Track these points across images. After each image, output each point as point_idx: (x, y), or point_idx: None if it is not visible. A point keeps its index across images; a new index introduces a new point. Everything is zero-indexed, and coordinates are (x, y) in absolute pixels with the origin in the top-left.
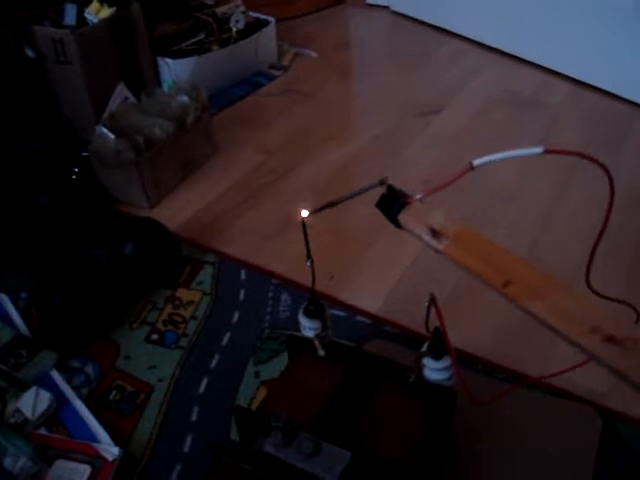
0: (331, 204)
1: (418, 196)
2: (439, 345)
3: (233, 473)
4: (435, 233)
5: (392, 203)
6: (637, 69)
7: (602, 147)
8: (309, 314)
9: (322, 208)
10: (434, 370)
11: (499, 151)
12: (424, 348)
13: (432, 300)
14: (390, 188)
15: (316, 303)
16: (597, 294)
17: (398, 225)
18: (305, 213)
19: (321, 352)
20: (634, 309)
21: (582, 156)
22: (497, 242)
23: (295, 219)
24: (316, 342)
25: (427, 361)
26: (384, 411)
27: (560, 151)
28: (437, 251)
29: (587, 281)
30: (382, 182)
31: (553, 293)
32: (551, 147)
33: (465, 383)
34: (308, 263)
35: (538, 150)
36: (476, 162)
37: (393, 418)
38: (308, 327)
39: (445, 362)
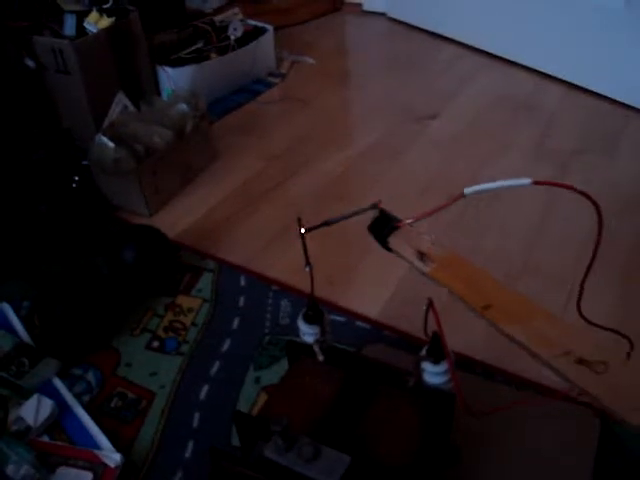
0: (326, 223)
1: (408, 220)
2: (437, 349)
3: (233, 478)
4: (422, 256)
5: (383, 226)
6: (629, 72)
7: (596, 150)
8: (308, 320)
9: (318, 227)
10: (433, 374)
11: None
12: (423, 352)
13: (430, 304)
14: (382, 212)
15: (315, 309)
16: (589, 322)
17: (387, 248)
18: (302, 230)
19: (320, 357)
20: (626, 337)
21: (572, 189)
22: (481, 268)
23: (294, 228)
24: (315, 347)
25: (426, 365)
26: (383, 415)
27: (549, 183)
28: (422, 273)
29: (579, 309)
30: (374, 206)
31: (531, 317)
32: (540, 180)
33: (462, 392)
34: (307, 269)
35: (526, 182)
36: (467, 190)
37: (392, 422)
38: (307, 332)
39: (444, 366)
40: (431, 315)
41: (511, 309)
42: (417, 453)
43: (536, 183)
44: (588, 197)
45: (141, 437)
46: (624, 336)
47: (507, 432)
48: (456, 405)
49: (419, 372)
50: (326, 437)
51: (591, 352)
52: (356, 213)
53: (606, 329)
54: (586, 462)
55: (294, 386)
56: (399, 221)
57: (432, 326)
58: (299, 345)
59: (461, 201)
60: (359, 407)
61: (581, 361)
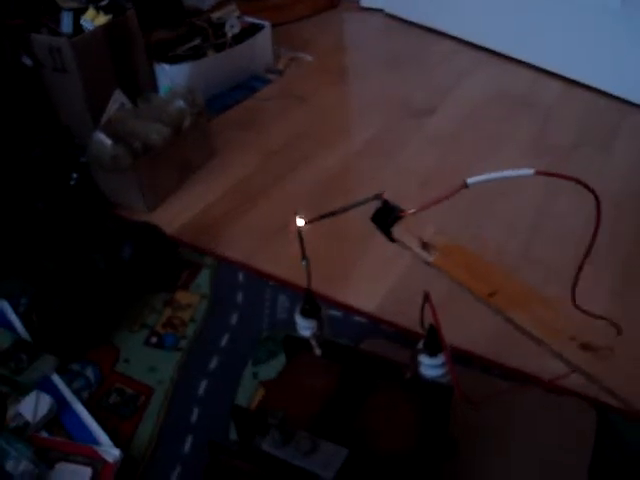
0: (331, 214)
1: (411, 210)
2: (434, 342)
3: (232, 471)
4: (426, 245)
5: (386, 216)
6: (626, 66)
7: (594, 145)
8: (305, 314)
9: (322, 217)
10: (430, 367)
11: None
12: (420, 345)
13: (426, 297)
14: (385, 202)
15: (312, 303)
16: (580, 309)
17: (391, 238)
18: (301, 222)
19: (318, 351)
20: (616, 326)
21: (574, 180)
22: (482, 256)
23: (292, 226)
24: (312, 341)
25: (423, 358)
26: (381, 408)
27: (551, 174)
28: (426, 262)
29: (573, 299)
30: (377, 196)
31: (535, 304)
32: (543, 170)
33: (459, 384)
34: (303, 263)
35: (529, 172)
36: (470, 180)
37: (390, 415)
38: (304, 327)
39: (440, 359)
40: (428, 308)
41: (516, 296)
42: (414, 446)
43: (538, 173)
44: (587, 187)
45: (140, 432)
46: (613, 324)
47: (504, 425)
48: (453, 398)
49: (416, 365)
50: (324, 430)
51: (595, 338)
52: (359, 203)
53: (596, 317)
54: (583, 454)
55: (292, 380)
56: (402, 211)
57: (429, 319)
58: (297, 340)
59: (459, 194)
60: (356, 401)
61: (586, 347)
